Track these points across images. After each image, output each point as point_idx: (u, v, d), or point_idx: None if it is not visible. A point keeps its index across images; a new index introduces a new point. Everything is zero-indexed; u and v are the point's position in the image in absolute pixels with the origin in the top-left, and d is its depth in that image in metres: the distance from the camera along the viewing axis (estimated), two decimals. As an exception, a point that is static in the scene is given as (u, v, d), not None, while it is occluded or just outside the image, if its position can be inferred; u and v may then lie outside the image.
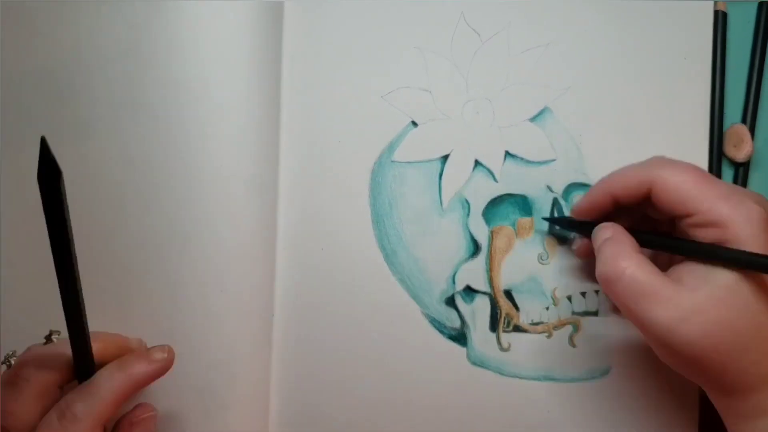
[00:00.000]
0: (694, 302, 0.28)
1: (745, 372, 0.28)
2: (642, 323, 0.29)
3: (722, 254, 0.28)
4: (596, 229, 0.33)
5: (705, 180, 0.29)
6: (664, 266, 0.30)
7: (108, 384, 0.29)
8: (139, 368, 0.30)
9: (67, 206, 0.25)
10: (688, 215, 0.29)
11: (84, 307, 0.28)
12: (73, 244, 0.26)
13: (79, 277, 0.27)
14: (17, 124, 0.35)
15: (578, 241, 0.36)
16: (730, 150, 0.38)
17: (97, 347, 0.30)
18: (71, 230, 0.25)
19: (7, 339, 0.34)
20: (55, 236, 0.25)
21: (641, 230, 0.32)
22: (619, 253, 0.30)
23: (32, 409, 0.28)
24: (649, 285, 0.28)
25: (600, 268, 0.30)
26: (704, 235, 0.29)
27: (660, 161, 0.31)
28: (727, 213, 0.28)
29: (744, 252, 0.28)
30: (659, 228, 0.34)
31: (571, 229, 0.36)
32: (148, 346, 0.33)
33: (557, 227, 0.37)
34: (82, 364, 0.29)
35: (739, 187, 0.31)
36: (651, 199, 0.31)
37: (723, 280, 0.28)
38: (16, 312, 0.35)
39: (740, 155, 0.38)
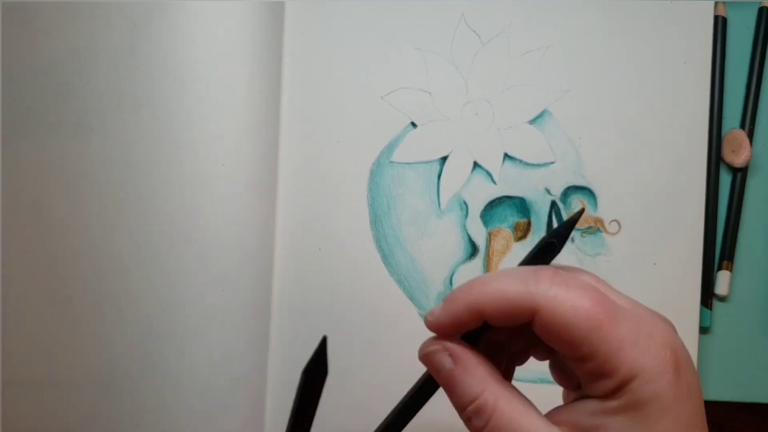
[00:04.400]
0: None
1: None
2: None
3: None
4: (424, 348, 0.25)
5: (608, 317, 0.22)
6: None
7: None
8: None
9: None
10: (580, 359, 0.22)
11: None
12: None
13: None
14: (18, 122, 0.35)
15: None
16: (728, 155, 0.38)
17: None
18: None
19: (7, 338, 0.34)
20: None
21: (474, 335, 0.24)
22: (477, 383, 0.23)
23: None
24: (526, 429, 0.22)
25: (459, 408, 0.24)
26: (599, 387, 0.22)
27: (550, 281, 0.22)
28: (632, 364, 0.21)
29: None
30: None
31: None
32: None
33: None
34: None
35: (642, 316, 0.23)
36: (533, 328, 0.23)
37: None
38: (16, 311, 0.35)
39: (739, 161, 0.38)
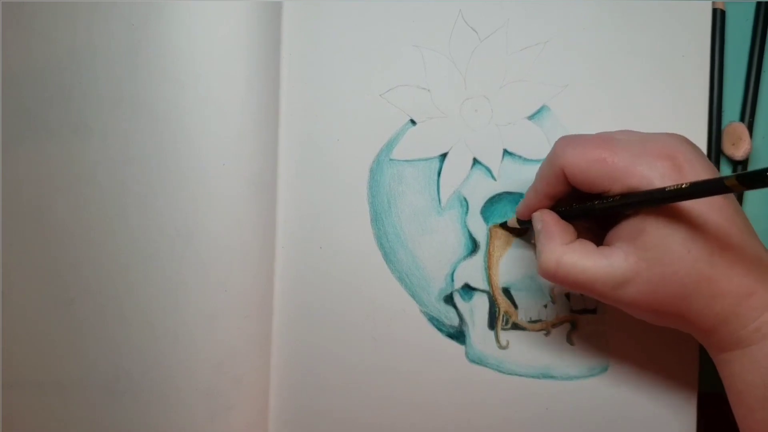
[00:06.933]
0: (628, 267, 0.29)
1: (700, 314, 0.29)
2: (594, 296, 0.31)
3: (641, 198, 0.28)
4: (532, 219, 0.34)
5: (609, 153, 0.29)
6: (606, 231, 0.32)
7: None
8: None
9: None
10: (604, 192, 0.30)
11: None
12: None
13: None
14: (17, 124, 0.35)
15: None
16: (728, 148, 0.38)
17: None
18: None
19: (8, 341, 0.34)
20: None
21: (571, 205, 0.32)
22: (548, 246, 0.31)
23: None
24: (583, 269, 0.30)
25: (538, 265, 0.32)
26: None
27: (562, 144, 0.31)
28: (639, 181, 0.28)
29: (658, 190, 0.28)
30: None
31: (525, 227, 0.36)
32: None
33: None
34: None
35: (645, 141, 0.30)
36: (570, 183, 0.31)
37: (653, 239, 0.28)
38: (17, 313, 0.35)
39: (739, 153, 0.38)
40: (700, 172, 0.29)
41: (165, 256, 0.35)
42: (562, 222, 0.32)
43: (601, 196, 0.31)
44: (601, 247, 0.31)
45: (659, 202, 0.28)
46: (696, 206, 0.28)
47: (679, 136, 0.30)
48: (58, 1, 0.35)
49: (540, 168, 0.33)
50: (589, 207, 0.31)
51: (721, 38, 0.38)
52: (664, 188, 0.27)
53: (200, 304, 0.35)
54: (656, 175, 0.28)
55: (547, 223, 0.32)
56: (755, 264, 0.29)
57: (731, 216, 0.29)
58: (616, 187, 0.29)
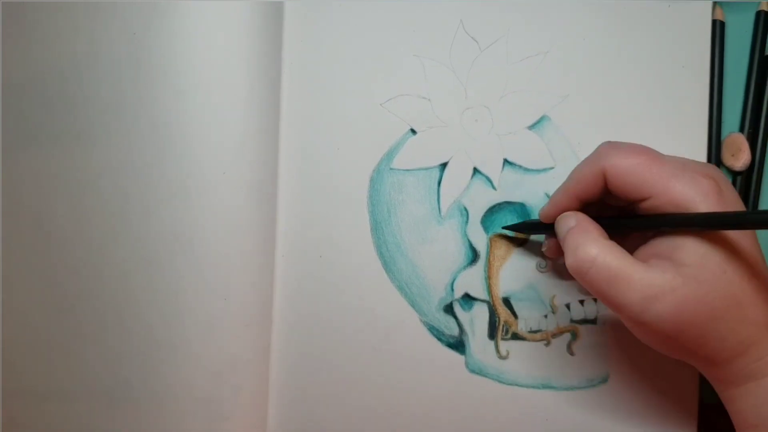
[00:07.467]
0: (664, 281, 0.28)
1: (724, 340, 0.28)
2: (617, 307, 0.29)
3: (685, 220, 0.28)
4: (558, 219, 0.32)
5: (655, 161, 0.29)
6: (630, 251, 0.30)
7: None
8: None
9: None
10: (644, 199, 0.29)
11: None
12: None
13: None
14: (17, 130, 0.35)
15: (547, 241, 0.36)
16: (728, 159, 0.38)
17: None
18: None
19: (8, 349, 0.34)
20: None
21: (603, 216, 0.32)
22: (586, 240, 0.29)
23: None
24: (621, 269, 0.28)
25: (569, 258, 0.30)
26: None
27: (608, 148, 0.31)
28: (681, 191, 0.28)
29: (704, 214, 0.28)
30: (623, 214, 0.33)
31: (535, 232, 0.36)
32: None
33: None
34: None
35: (688, 162, 0.30)
36: (608, 187, 0.30)
37: (691, 256, 0.28)
38: (17, 321, 0.35)
39: (738, 164, 0.38)
40: (735, 201, 0.29)
41: (165, 264, 0.35)
42: (596, 222, 0.31)
43: (631, 205, 0.30)
44: (635, 255, 0.30)
45: (717, 226, 0.27)
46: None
47: (713, 165, 0.31)
48: (60, 7, 0.35)
49: (576, 169, 0.32)
50: (636, 222, 0.30)
51: (720, 49, 0.38)
52: (731, 213, 0.27)
53: (200, 313, 0.35)
54: (698, 191, 0.28)
55: (582, 219, 0.31)
56: None
57: (758, 244, 0.29)
58: (655, 196, 0.29)
